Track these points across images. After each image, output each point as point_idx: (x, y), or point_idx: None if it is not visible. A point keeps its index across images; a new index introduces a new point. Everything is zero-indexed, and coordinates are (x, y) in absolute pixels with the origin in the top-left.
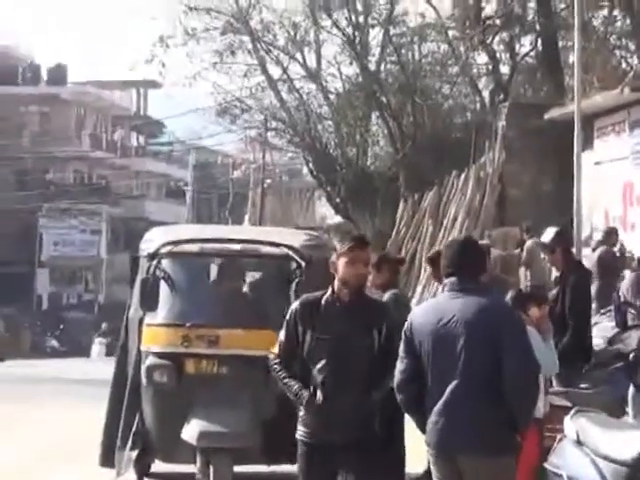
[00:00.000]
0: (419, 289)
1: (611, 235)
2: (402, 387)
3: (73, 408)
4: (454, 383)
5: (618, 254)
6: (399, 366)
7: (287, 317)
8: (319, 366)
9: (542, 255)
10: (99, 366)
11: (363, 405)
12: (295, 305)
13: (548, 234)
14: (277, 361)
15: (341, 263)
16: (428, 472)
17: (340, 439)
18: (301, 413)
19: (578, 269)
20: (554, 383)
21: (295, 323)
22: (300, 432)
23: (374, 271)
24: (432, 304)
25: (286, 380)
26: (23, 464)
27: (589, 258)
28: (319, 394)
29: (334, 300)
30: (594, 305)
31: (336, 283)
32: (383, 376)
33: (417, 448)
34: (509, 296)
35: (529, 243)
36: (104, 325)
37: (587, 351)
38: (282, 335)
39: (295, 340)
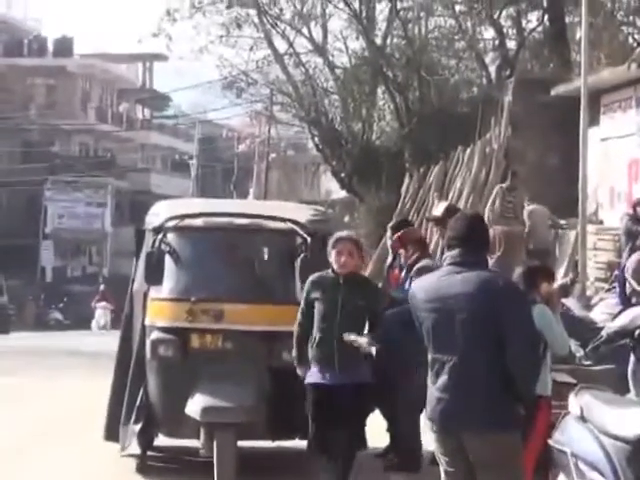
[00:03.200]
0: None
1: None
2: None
3: (81, 381)
4: (456, 359)
5: None
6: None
7: None
8: None
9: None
10: (105, 339)
11: None
12: None
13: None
14: None
15: None
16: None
17: None
18: None
19: None
20: None
21: None
22: None
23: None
24: (434, 278)
25: None
26: (25, 438)
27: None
28: None
29: None
30: None
31: None
32: None
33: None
34: (518, 272)
35: (529, 208)
36: (102, 287)
37: None
38: None
39: None
